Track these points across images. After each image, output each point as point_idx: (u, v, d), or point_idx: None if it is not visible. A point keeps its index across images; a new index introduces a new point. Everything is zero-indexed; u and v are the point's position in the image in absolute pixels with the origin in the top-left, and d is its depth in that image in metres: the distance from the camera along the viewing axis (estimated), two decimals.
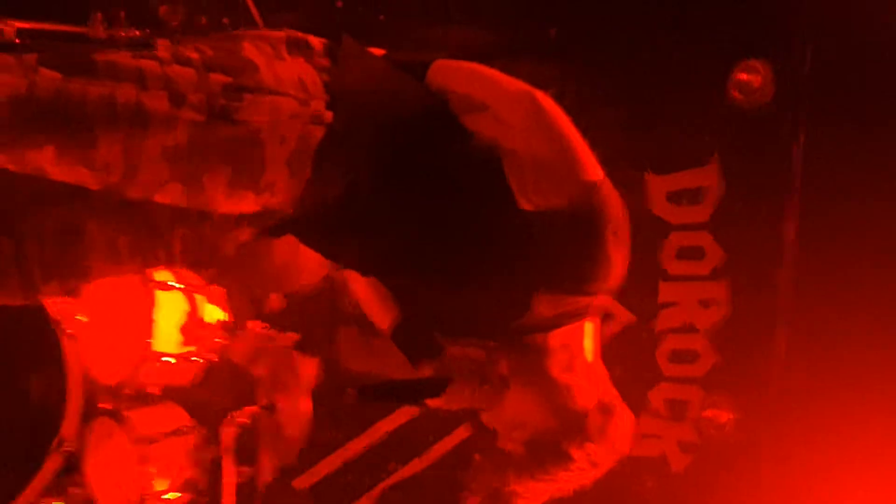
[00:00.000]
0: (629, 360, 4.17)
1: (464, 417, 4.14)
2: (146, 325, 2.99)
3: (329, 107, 1.66)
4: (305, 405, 2.84)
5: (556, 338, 1.86)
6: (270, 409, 2.84)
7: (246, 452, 3.41)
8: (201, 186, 1.60)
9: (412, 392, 1.93)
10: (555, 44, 4.25)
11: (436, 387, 1.86)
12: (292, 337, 3.18)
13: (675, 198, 4.19)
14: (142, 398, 3.24)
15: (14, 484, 2.80)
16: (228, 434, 2.94)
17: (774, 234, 3.85)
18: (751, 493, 3.80)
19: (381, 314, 1.98)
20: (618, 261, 1.76)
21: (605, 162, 1.78)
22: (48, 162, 1.51)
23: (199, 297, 3.12)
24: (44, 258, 1.63)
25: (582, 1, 4.24)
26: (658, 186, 4.21)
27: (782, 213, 3.83)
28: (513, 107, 1.72)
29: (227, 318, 3.16)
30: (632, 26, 4.17)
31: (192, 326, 3.06)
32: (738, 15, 3.87)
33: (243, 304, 3.39)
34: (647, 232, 4.16)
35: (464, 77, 1.78)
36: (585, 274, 1.75)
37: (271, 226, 1.74)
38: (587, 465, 1.83)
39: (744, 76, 3.94)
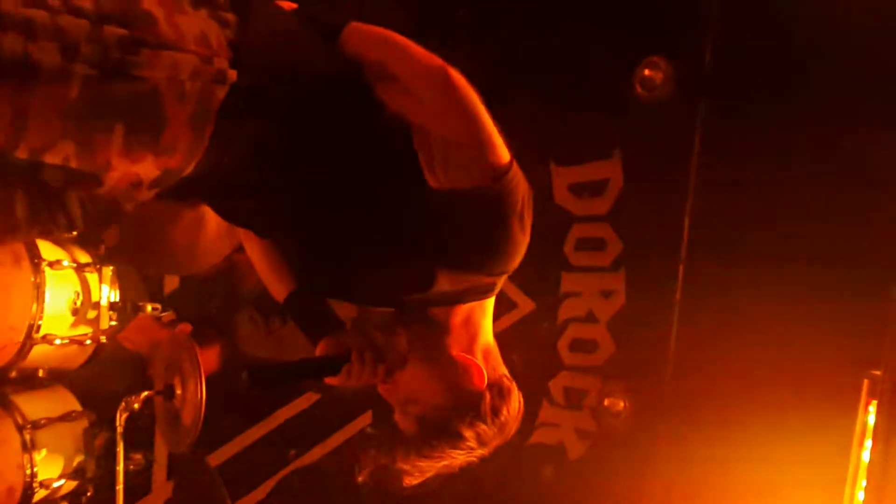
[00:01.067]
0: (531, 348, 4.26)
1: (366, 405, 4.15)
2: (35, 305, 2.87)
3: (233, 65, 1.59)
4: (201, 391, 2.78)
5: (457, 315, 1.88)
6: (166, 393, 2.77)
7: (140, 438, 3.33)
8: (94, 146, 1.52)
9: (307, 370, 1.90)
10: (463, 25, 4.26)
11: (332, 364, 1.85)
12: (187, 325, 3.11)
13: (577, 189, 4.26)
14: (29, 381, 3.12)
15: None
16: (122, 419, 2.85)
17: (670, 227, 3.94)
18: (645, 479, 3.88)
19: (278, 285, 1.96)
20: (522, 243, 1.77)
21: (511, 151, 1.78)
22: None
23: (91, 277, 3.01)
24: None
25: None
26: (562, 178, 4.28)
27: (678, 206, 3.92)
28: (425, 81, 1.68)
29: (119, 300, 3.06)
30: (540, 18, 4.21)
31: (84, 307, 2.95)
32: (643, 12, 3.94)
33: (138, 285, 3.31)
34: (551, 222, 4.22)
35: (378, 44, 1.73)
36: (489, 255, 1.75)
37: (172, 186, 1.66)
38: (476, 443, 1.85)
39: (647, 72, 4.02)
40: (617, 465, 4.07)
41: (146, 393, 2.77)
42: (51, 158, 1.52)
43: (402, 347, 1.85)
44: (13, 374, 3.03)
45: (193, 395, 2.75)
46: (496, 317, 2.00)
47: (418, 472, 1.85)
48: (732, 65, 3.78)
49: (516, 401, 1.91)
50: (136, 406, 2.77)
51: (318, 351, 1.90)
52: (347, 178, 1.70)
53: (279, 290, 1.95)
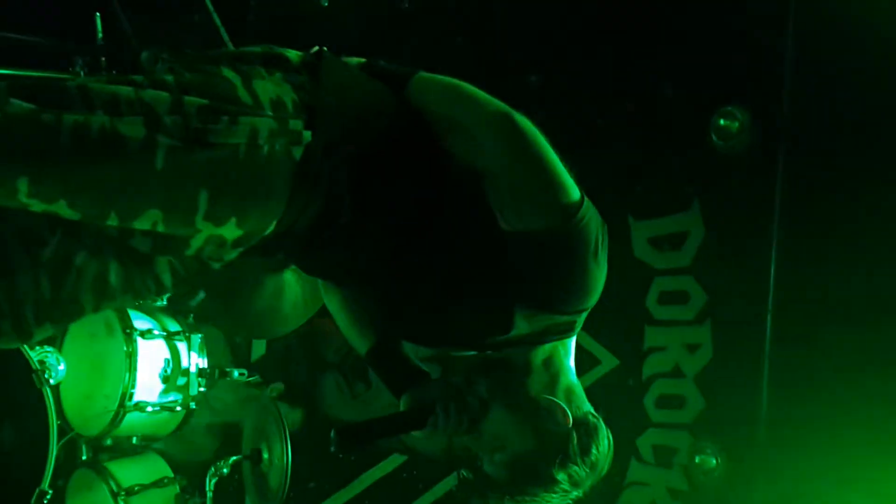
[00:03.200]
0: (616, 405, 4.19)
1: (453, 466, 4.11)
2: (128, 374, 2.95)
3: (307, 126, 1.64)
4: (287, 454, 2.81)
5: (537, 356, 1.86)
6: (254, 458, 2.79)
7: (229, 503, 3.35)
8: (180, 212, 1.58)
9: (393, 427, 1.90)
10: (536, 90, 4.31)
11: (417, 418, 1.84)
12: (276, 387, 3.16)
13: (657, 242, 4.22)
14: (122, 448, 3.19)
15: None
16: (212, 484, 2.89)
17: (756, 277, 3.85)
18: None
19: (358, 339, 1.97)
20: (598, 279, 1.76)
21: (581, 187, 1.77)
22: (23, 194, 1.49)
23: (180, 345, 3.09)
24: (38, 297, 1.61)
25: (563, 47, 4.30)
26: (641, 231, 4.24)
27: (763, 255, 3.84)
28: (490, 129, 1.70)
29: (208, 366, 3.12)
30: (613, 73, 4.23)
31: (174, 374, 3.02)
32: (718, 62, 3.93)
33: (225, 352, 3.38)
34: (631, 277, 4.18)
35: (443, 96, 1.76)
36: (566, 294, 1.75)
37: (255, 246, 1.72)
38: (570, 485, 1.82)
39: (723, 122, 3.99)
40: None
41: (234, 458, 2.80)
42: (139, 225, 1.58)
43: (482, 393, 1.84)
44: (107, 441, 3.11)
45: (280, 458, 2.78)
46: (579, 374, 1.97)
47: None
48: (811, 111, 3.74)
49: (605, 438, 1.87)
50: (224, 471, 2.80)
51: (403, 405, 1.90)
52: (421, 227, 1.73)
53: (360, 344, 1.97)
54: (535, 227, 1.70)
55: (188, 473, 3.13)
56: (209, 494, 2.83)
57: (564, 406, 1.84)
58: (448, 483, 4.22)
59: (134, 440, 3.20)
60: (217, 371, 3.07)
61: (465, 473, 1.88)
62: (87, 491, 3.06)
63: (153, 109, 1.54)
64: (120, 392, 2.90)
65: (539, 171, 1.70)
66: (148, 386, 2.99)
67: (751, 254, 3.88)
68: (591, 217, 1.74)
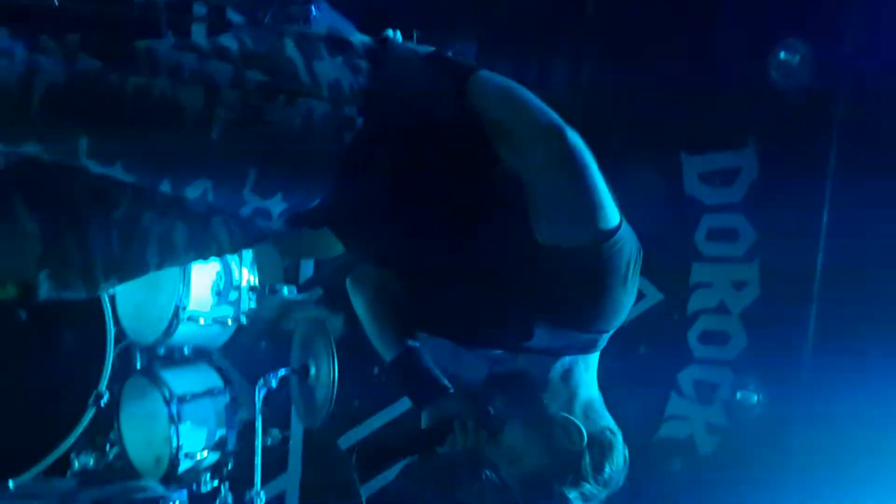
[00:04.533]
0: (659, 339, 4.20)
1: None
2: (182, 286, 3.01)
3: (361, 112, 1.64)
4: (334, 371, 2.87)
5: (555, 370, 1.86)
6: (301, 373, 2.85)
7: (277, 415, 3.44)
8: (230, 184, 1.61)
9: (414, 446, 1.88)
10: (592, 19, 4.23)
11: (436, 436, 1.83)
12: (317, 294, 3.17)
13: (708, 178, 4.16)
14: (175, 358, 3.28)
15: (51, 437, 2.85)
16: (261, 396, 2.97)
17: (806, 216, 3.79)
18: (779, 477, 3.76)
19: (385, 344, 1.96)
20: (624, 304, 1.74)
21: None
22: (84, 154, 1.51)
23: (231, 261, 3.14)
24: (107, 253, 1.65)
25: None
26: (692, 167, 4.18)
27: (817, 195, 3.77)
28: (540, 141, 1.65)
29: (258, 282, 3.18)
30: (672, 5, 4.14)
31: (226, 289, 3.08)
32: None
33: (276, 270, 3.43)
34: (681, 213, 4.14)
35: (499, 99, 1.72)
36: (589, 314, 1.74)
37: (299, 217, 1.74)
38: (581, 502, 1.82)
39: (783, 55, 3.90)
40: (750, 461, 3.96)
41: (283, 371, 2.86)
42: (190, 194, 1.61)
43: (499, 407, 1.83)
44: (161, 350, 3.20)
45: (327, 375, 2.83)
46: None
47: None
48: (874, 46, 3.62)
49: (620, 454, 1.86)
50: (273, 384, 2.86)
51: (424, 420, 1.88)
52: (458, 223, 1.72)
53: (386, 352, 1.95)
54: (568, 244, 1.67)
55: (238, 385, 3.22)
56: (258, 405, 2.90)
57: (580, 425, 1.83)
58: None
59: (186, 350, 3.29)
60: (267, 288, 3.14)
61: (488, 473, 1.90)
62: (140, 397, 3.17)
63: (214, 80, 1.55)
64: (174, 304, 2.97)
65: (582, 189, 1.65)
66: (201, 299, 3.05)
67: (804, 193, 3.80)
68: (626, 242, 1.70)
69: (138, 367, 3.27)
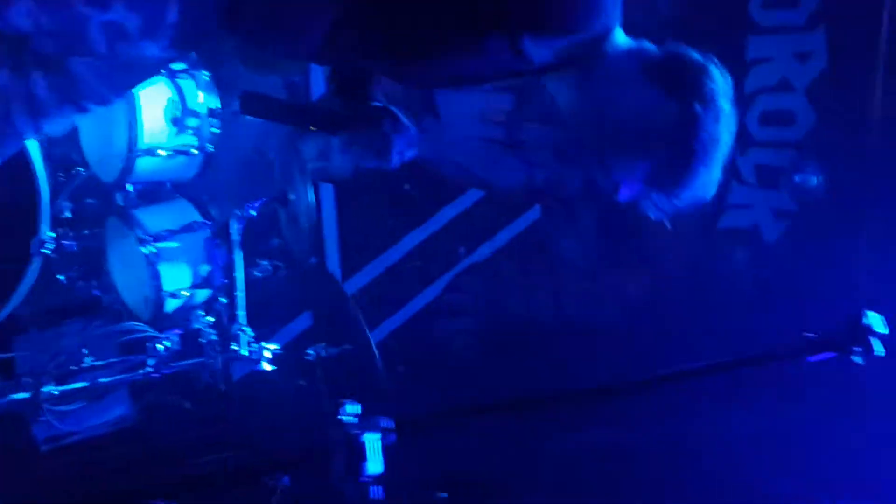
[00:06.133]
0: None
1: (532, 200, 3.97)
2: (130, 118, 2.76)
3: None
4: (312, 194, 2.70)
5: None
6: (282, 200, 2.68)
7: (262, 246, 3.30)
8: None
9: (306, 115, 1.71)
10: None
11: (336, 120, 1.66)
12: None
13: None
14: (149, 195, 3.08)
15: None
16: (236, 228, 2.81)
17: None
18: (846, 262, 3.57)
19: None
20: None
21: None
22: None
23: (186, 84, 2.86)
24: None
25: None
26: None
27: None
28: None
29: (218, 105, 2.89)
30: None
31: (183, 116, 2.82)
32: None
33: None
34: None
35: None
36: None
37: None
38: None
39: None
40: (818, 248, 3.72)
41: (261, 201, 2.71)
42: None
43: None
44: (131, 188, 2.99)
45: (303, 199, 2.66)
46: None
47: None
48: None
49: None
50: (250, 213, 2.70)
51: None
52: None
53: None
54: None
55: (219, 218, 3.03)
56: (233, 237, 2.77)
57: None
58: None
59: (168, 185, 3.08)
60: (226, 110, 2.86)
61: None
62: (120, 238, 3.01)
63: None
64: (126, 136, 2.73)
65: None
66: (156, 129, 2.80)
67: None
68: None
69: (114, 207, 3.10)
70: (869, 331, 1.64)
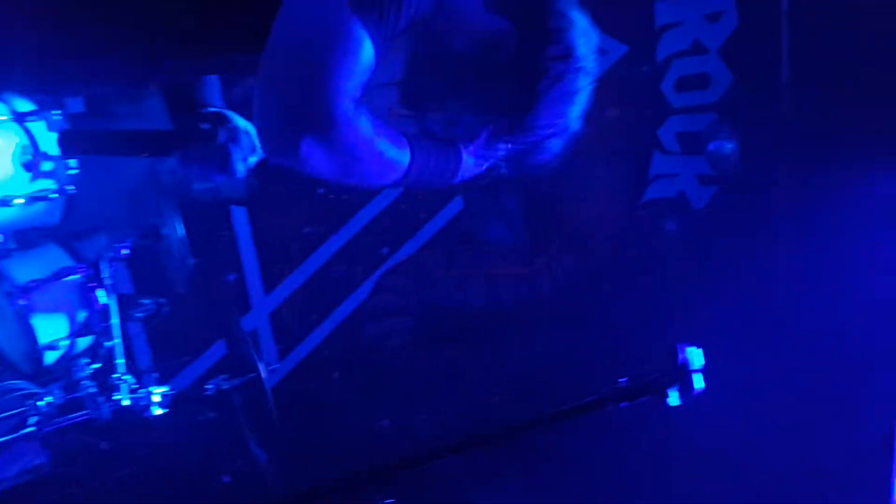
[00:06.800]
0: (630, 97, 3.81)
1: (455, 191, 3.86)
2: None
3: None
4: (182, 227, 2.66)
5: None
6: (154, 234, 2.61)
7: (144, 283, 3.15)
8: None
9: (130, 144, 1.61)
10: None
11: (165, 141, 1.56)
12: None
13: None
14: (14, 245, 2.90)
15: None
16: (108, 269, 2.69)
17: None
18: (774, 225, 3.57)
19: None
20: None
21: None
22: None
23: (35, 126, 2.68)
24: None
25: None
26: None
27: None
28: None
29: None
30: None
31: (35, 160, 2.64)
32: None
33: None
34: None
35: None
36: None
37: None
38: None
39: None
40: (744, 211, 3.70)
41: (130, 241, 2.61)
42: None
43: None
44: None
45: (174, 231, 2.55)
46: None
47: None
48: None
49: None
50: (124, 252, 2.66)
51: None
52: None
53: None
54: None
55: (90, 261, 2.88)
56: (105, 280, 2.67)
57: None
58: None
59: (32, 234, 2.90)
60: None
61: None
62: None
63: None
64: None
65: None
66: (8, 178, 2.63)
67: None
68: None
69: None
70: (686, 368, 1.54)
